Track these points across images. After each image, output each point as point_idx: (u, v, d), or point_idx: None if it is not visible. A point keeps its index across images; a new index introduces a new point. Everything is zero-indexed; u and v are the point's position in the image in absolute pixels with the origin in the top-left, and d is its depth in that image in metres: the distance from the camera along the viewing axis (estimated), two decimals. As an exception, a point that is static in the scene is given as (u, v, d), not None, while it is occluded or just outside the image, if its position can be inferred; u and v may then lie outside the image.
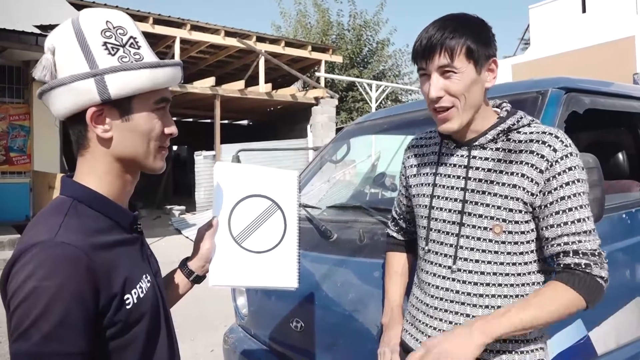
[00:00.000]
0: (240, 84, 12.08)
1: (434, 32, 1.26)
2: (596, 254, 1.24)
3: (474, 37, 1.24)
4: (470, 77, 1.25)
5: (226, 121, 17.53)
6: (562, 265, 1.24)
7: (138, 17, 10.37)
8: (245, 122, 19.14)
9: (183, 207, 12.85)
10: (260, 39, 12.43)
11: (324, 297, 2.01)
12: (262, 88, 12.45)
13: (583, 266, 1.22)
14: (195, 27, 11.28)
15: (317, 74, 13.58)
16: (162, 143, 1.02)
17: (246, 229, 1.32)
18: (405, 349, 1.49)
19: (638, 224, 2.09)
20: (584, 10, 6.51)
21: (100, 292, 0.88)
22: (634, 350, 1.92)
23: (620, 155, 2.55)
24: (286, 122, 14.72)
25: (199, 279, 1.29)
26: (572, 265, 1.22)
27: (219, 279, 1.28)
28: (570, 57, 5.59)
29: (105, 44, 0.93)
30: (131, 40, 0.96)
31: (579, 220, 1.24)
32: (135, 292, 0.96)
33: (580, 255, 1.22)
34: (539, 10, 7.32)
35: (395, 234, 1.69)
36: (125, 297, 0.93)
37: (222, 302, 5.02)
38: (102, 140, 0.96)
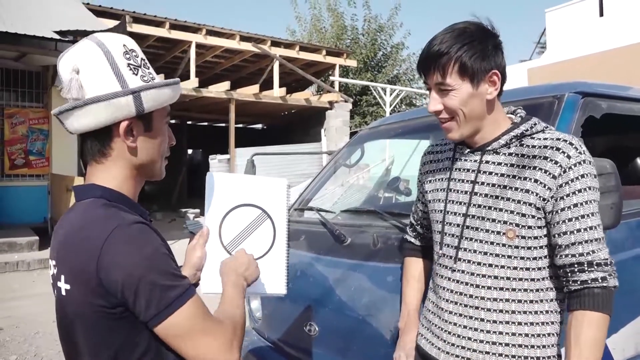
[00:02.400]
0: (255, 88, 12.15)
1: (430, 49, 1.30)
2: (609, 263, 1.25)
3: (468, 51, 1.26)
4: (466, 92, 1.28)
5: (240, 125, 17.64)
6: (578, 282, 1.25)
7: (155, 23, 10.50)
8: (259, 126, 19.23)
9: (197, 210, 12.94)
10: (275, 43, 12.49)
11: (338, 301, 2.01)
12: (277, 92, 12.50)
13: (600, 280, 1.23)
14: (211, 32, 11.38)
15: (331, 78, 13.59)
16: (167, 153, 1.17)
17: (236, 237, 1.36)
18: (420, 354, 1.50)
19: (657, 230, 2.05)
20: (601, 14, 6.45)
21: (171, 252, 1.04)
22: (653, 359, 1.89)
23: (638, 161, 2.51)
24: (300, 126, 14.76)
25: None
26: (590, 282, 1.23)
27: (210, 287, 1.31)
28: (587, 61, 5.54)
29: (128, 65, 1.06)
30: (143, 62, 1.09)
31: (591, 228, 1.25)
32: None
33: (596, 267, 1.24)
34: (556, 14, 7.27)
35: (413, 240, 1.71)
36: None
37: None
38: (130, 149, 1.07)
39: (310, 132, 14.26)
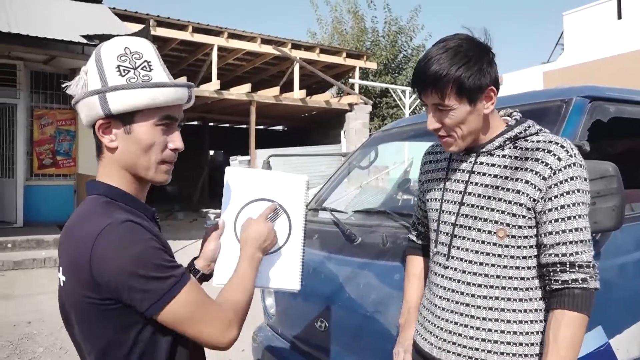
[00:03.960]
0: (275, 90, 12.29)
1: (427, 68, 1.30)
2: (591, 265, 1.28)
3: (466, 72, 1.28)
4: (464, 111, 1.32)
5: (261, 127, 17.80)
6: (559, 282, 1.28)
7: (178, 26, 10.72)
8: (279, 127, 19.39)
9: (218, 211, 13.09)
10: (295, 46, 12.61)
11: (348, 298, 2.08)
12: (297, 94, 12.62)
13: (580, 282, 1.26)
14: (233, 35, 11.56)
15: (350, 80, 13.64)
16: (165, 157, 1.12)
17: None
18: (417, 350, 1.55)
19: (665, 233, 2.06)
20: (619, 17, 6.36)
21: (165, 246, 1.07)
22: (658, 360, 1.91)
23: (649, 164, 2.52)
24: (320, 128, 14.84)
25: (204, 277, 1.37)
26: (570, 282, 1.27)
27: (223, 279, 1.33)
28: (605, 64, 5.47)
29: (118, 66, 1.07)
30: (144, 64, 1.08)
31: (577, 230, 1.28)
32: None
33: (577, 269, 1.27)
34: (573, 17, 7.18)
35: (414, 238, 1.75)
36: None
37: (252, 303, 5.13)
38: (109, 148, 1.10)
39: (330, 134, 14.33)
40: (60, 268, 1.10)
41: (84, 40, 7.16)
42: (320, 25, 19.34)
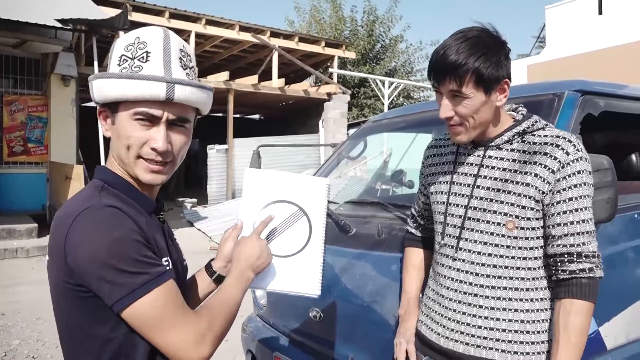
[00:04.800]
0: (254, 78, 12.17)
1: (446, 56, 1.31)
2: (596, 255, 1.33)
3: (485, 62, 1.29)
4: (480, 101, 1.33)
5: (238, 115, 17.63)
6: (567, 272, 1.32)
7: (155, 12, 10.49)
8: (256, 116, 19.23)
9: (195, 200, 12.99)
10: (274, 34, 12.49)
11: (343, 288, 2.09)
12: (275, 83, 12.52)
13: (587, 271, 1.31)
14: (210, 22, 11.37)
15: (330, 69, 13.61)
16: (143, 154, 1.05)
17: (271, 233, 1.33)
18: (421, 340, 1.57)
19: (649, 224, 2.14)
20: (600, 12, 6.51)
21: (149, 242, 1.01)
22: (643, 346, 1.98)
23: (633, 157, 2.59)
24: (298, 117, 14.78)
25: (221, 278, 1.31)
26: (578, 272, 1.31)
27: None
28: (586, 58, 5.60)
29: (121, 56, 1.04)
30: (143, 54, 1.03)
31: (584, 221, 1.33)
32: (166, 260, 1.07)
33: (584, 259, 1.32)
34: (555, 10, 7.32)
35: (413, 230, 1.77)
36: (164, 259, 1.06)
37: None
38: (105, 137, 1.11)
39: (308, 124, 14.29)
40: (47, 249, 1.07)
41: (58, 25, 6.93)
42: (298, 14, 19.24)
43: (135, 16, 9.95)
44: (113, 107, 1.05)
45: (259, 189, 1.36)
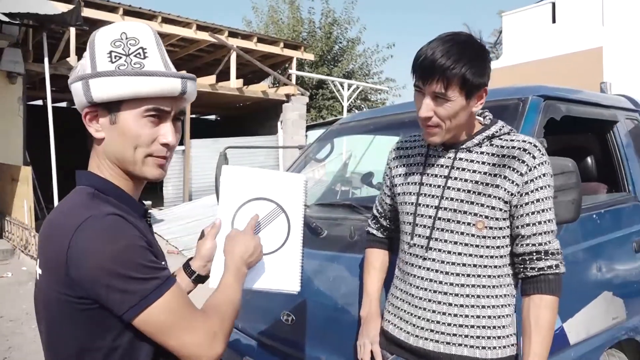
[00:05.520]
0: (212, 78, 11.97)
1: (436, 58, 1.33)
2: (560, 252, 1.42)
3: (472, 69, 1.33)
4: (460, 105, 1.37)
5: (194, 115, 17.31)
6: (536, 269, 1.40)
7: (108, 8, 10.16)
8: (213, 117, 18.95)
9: (149, 203, 12.65)
10: (232, 34, 12.34)
11: (316, 291, 2.08)
12: (234, 83, 12.37)
13: (554, 267, 1.40)
14: (167, 20, 11.10)
15: (289, 71, 13.58)
16: (154, 151, 1.05)
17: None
18: (388, 339, 1.59)
19: (606, 224, 2.25)
20: (554, 21, 6.82)
21: (152, 246, 1.00)
22: (601, 340, 2.08)
23: (589, 160, 2.72)
24: (256, 118, 14.66)
25: (201, 278, 1.32)
26: (545, 269, 1.39)
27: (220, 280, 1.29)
28: (542, 64, 5.85)
29: (110, 52, 1.00)
30: (139, 50, 1.01)
31: (549, 221, 1.41)
32: (164, 263, 1.05)
33: (550, 256, 1.40)
34: (512, 18, 7.59)
35: (375, 232, 1.80)
36: (162, 262, 1.03)
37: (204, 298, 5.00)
38: (96, 139, 1.04)
39: (266, 125, 14.20)
40: (38, 261, 1.02)
41: (5, 18, 6.59)
42: (256, 14, 19.07)
43: (87, 12, 9.59)
44: (113, 106, 1.00)
45: (237, 187, 1.35)
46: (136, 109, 1.01)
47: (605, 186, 2.63)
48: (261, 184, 1.37)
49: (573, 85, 2.63)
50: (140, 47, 1.01)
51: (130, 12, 10.51)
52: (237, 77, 12.51)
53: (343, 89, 12.21)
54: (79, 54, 9.50)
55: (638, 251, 2.35)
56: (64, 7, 7.99)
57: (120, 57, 1.00)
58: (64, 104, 15.26)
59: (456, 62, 1.32)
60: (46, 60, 7.65)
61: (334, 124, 3.11)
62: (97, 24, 10.17)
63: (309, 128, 14.06)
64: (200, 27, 11.62)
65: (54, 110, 7.73)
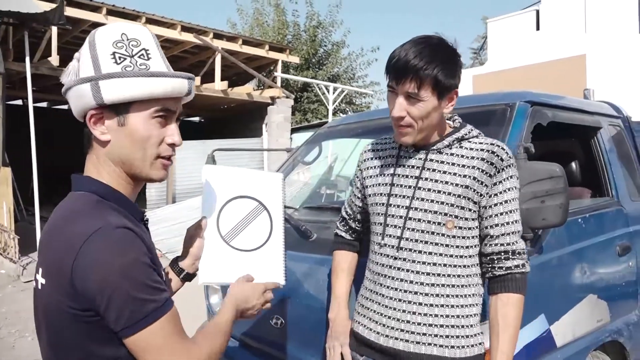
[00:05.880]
0: (196, 80, 11.90)
1: (409, 59, 1.37)
2: (525, 252, 1.47)
3: (444, 70, 1.38)
4: (432, 105, 1.41)
5: (178, 117, 17.16)
6: (503, 269, 1.44)
7: (90, 7, 10.01)
8: (196, 119, 18.82)
9: (132, 204, 12.52)
10: (217, 35, 12.27)
11: (306, 294, 2.08)
12: (218, 85, 12.31)
13: (520, 267, 1.44)
14: (151, 21, 10.99)
15: (275, 73, 13.56)
16: (162, 152, 1.06)
17: (234, 228, 1.37)
18: (359, 340, 1.61)
19: (591, 228, 2.29)
20: (538, 28, 6.96)
21: (155, 262, 1.00)
22: (587, 342, 2.11)
23: (573, 165, 2.77)
24: (240, 121, 14.61)
25: (189, 276, 1.34)
26: (513, 268, 1.43)
27: (209, 277, 1.33)
28: (526, 71, 5.96)
29: (114, 53, 1.00)
30: (142, 52, 1.02)
31: (516, 221, 1.46)
32: (162, 271, 1.07)
33: (517, 256, 1.44)
34: (497, 24, 7.71)
35: (343, 234, 1.82)
36: (162, 269, 1.06)
37: (189, 302, 4.96)
38: (100, 142, 1.02)
39: (251, 127, 14.15)
40: (40, 270, 1.00)
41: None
42: (241, 16, 19.00)
43: (69, 11, 9.45)
44: (122, 107, 1.00)
45: (219, 186, 1.38)
46: (146, 110, 1.01)
47: (589, 191, 2.67)
48: (242, 182, 1.42)
49: (557, 91, 2.68)
50: (143, 49, 1.02)
51: (113, 12, 10.38)
52: (222, 79, 12.45)
53: (328, 92, 12.23)
54: (61, 53, 9.36)
55: (621, 255, 2.40)
56: (47, 6, 7.86)
57: (125, 58, 1.00)
58: (44, 104, 15.01)
59: (429, 63, 1.36)
60: (27, 59, 7.52)
61: (322, 127, 3.11)
62: (79, 23, 10.05)
63: (294, 131, 14.05)
64: (185, 28, 11.54)
65: (34, 110, 7.60)
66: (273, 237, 1.42)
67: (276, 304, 2.15)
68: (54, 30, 9.19)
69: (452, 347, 1.44)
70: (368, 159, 1.67)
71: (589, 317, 2.14)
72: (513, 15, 7.36)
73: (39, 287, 1.01)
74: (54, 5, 7.62)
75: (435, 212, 1.44)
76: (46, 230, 1.02)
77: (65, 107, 15.89)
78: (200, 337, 1.08)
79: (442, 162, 1.48)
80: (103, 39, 1.01)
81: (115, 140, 1.02)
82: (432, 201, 1.45)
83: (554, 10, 6.73)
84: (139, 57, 1.01)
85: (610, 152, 2.62)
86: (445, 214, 1.43)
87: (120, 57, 0.99)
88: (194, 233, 1.33)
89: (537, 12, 6.92)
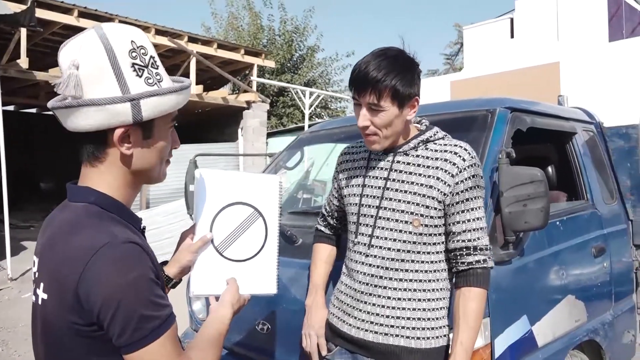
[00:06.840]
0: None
1: (368, 71, 1.46)
2: (489, 248, 1.55)
3: (401, 80, 1.46)
4: (393, 114, 1.49)
5: (151, 121, 16.93)
6: (465, 264, 1.52)
7: (62, 9, 9.80)
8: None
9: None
10: (192, 39, 12.16)
11: (292, 299, 2.08)
12: (193, 89, 12.19)
13: (482, 262, 1.51)
14: (124, 23, 10.83)
15: (251, 78, 13.50)
16: (169, 157, 1.12)
17: (227, 237, 1.34)
18: (333, 331, 1.70)
19: (568, 231, 2.35)
20: (512, 36, 7.16)
21: (159, 277, 1.00)
22: (565, 342, 2.17)
23: (549, 169, 2.84)
24: (215, 125, 14.49)
25: (175, 285, 1.33)
26: (474, 263, 1.51)
27: (201, 289, 1.30)
28: (502, 78, 6.11)
29: (133, 65, 0.98)
30: (152, 60, 1.02)
31: (478, 219, 1.53)
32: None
33: (479, 252, 1.51)
34: (472, 31, 7.88)
35: (323, 229, 1.93)
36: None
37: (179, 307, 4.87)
38: (124, 157, 1.01)
39: (226, 132, 14.05)
40: (42, 284, 0.97)
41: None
42: (215, 20, 18.87)
43: (40, 13, 9.22)
44: (149, 123, 1.01)
45: (213, 191, 1.34)
46: (168, 121, 1.06)
47: (565, 194, 2.75)
48: (237, 187, 1.37)
49: (533, 97, 2.75)
50: (151, 57, 1.02)
51: (85, 14, 10.18)
52: (197, 83, 12.34)
53: (304, 96, 12.25)
54: (30, 55, 9.14)
55: (596, 256, 2.47)
56: (17, 7, 7.67)
57: (143, 70, 0.99)
58: (11, 107, 14.60)
59: (386, 75, 1.44)
60: (-5, 61, 7.31)
61: (303, 132, 3.12)
62: (50, 25, 9.83)
63: (269, 135, 14.01)
64: (159, 32, 11.40)
65: (2, 113, 7.38)
66: (267, 245, 1.39)
67: (262, 309, 2.15)
68: (23, 32, 8.96)
69: (418, 338, 1.52)
70: (344, 161, 1.77)
71: (567, 318, 2.20)
72: (488, 23, 7.56)
73: (39, 302, 0.98)
74: (24, 7, 7.43)
75: (403, 211, 1.53)
76: (46, 244, 0.99)
77: (33, 110, 15.52)
78: (193, 350, 1.08)
79: (408, 163, 1.57)
80: (120, 48, 0.97)
81: (138, 153, 1.02)
82: (399, 201, 1.54)
83: (527, 19, 6.94)
84: (152, 66, 1.01)
85: (585, 157, 2.71)
86: (412, 213, 1.52)
87: (139, 69, 0.99)
88: (190, 245, 1.31)
89: (512, 20, 7.12)
